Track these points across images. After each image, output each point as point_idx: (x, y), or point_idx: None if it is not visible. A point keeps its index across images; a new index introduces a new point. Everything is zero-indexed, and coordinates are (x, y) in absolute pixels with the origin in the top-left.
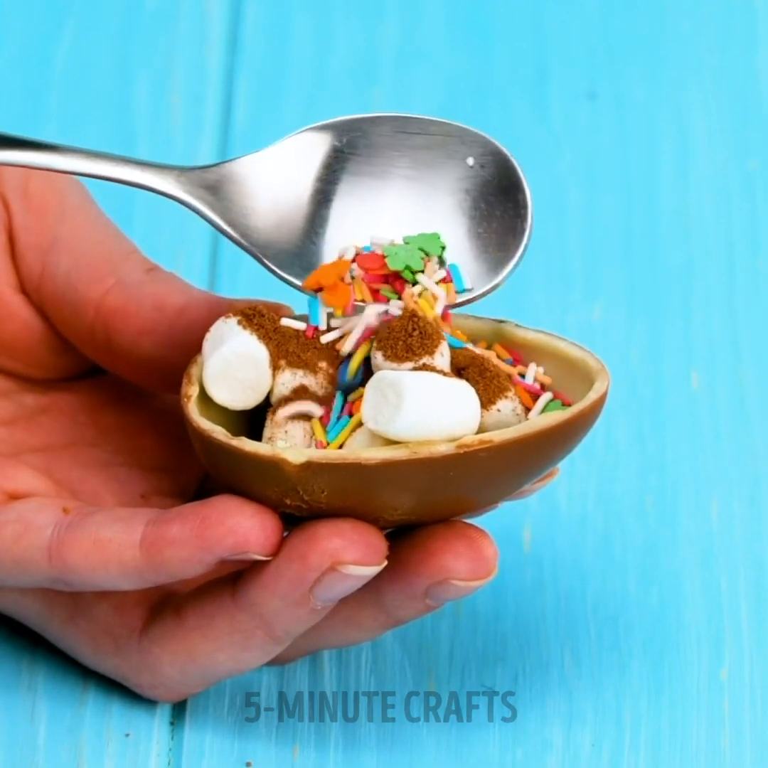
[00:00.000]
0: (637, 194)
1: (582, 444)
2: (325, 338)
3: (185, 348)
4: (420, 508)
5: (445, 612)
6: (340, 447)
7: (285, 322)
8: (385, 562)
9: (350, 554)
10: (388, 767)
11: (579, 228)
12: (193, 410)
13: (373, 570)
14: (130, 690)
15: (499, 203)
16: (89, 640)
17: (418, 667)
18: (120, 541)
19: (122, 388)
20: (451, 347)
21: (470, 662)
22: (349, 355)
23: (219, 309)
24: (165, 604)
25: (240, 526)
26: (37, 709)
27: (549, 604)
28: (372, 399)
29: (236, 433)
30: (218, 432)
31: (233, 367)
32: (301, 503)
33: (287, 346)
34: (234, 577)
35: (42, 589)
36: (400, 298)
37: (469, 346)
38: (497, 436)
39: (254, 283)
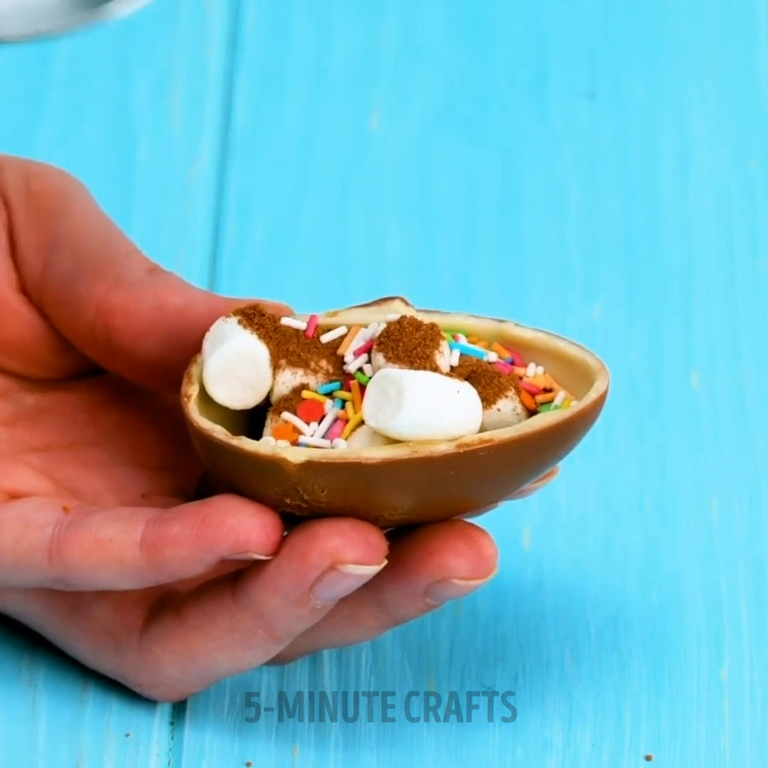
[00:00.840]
0: (637, 194)
1: (582, 444)
2: (326, 338)
3: (185, 348)
4: (420, 508)
5: (445, 612)
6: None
7: (285, 321)
8: (385, 562)
9: (350, 553)
10: (388, 767)
11: (579, 228)
12: (193, 410)
13: (373, 569)
14: (129, 690)
15: None
16: (89, 640)
17: (418, 667)
18: (120, 540)
19: (122, 388)
20: (463, 355)
21: (470, 662)
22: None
23: (219, 309)
24: (165, 604)
25: (241, 526)
26: (37, 709)
27: (549, 604)
28: (373, 396)
29: (236, 433)
30: (218, 431)
31: (233, 366)
32: (301, 502)
33: (287, 346)
34: (234, 576)
35: (42, 589)
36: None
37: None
38: (497, 435)
39: (254, 283)
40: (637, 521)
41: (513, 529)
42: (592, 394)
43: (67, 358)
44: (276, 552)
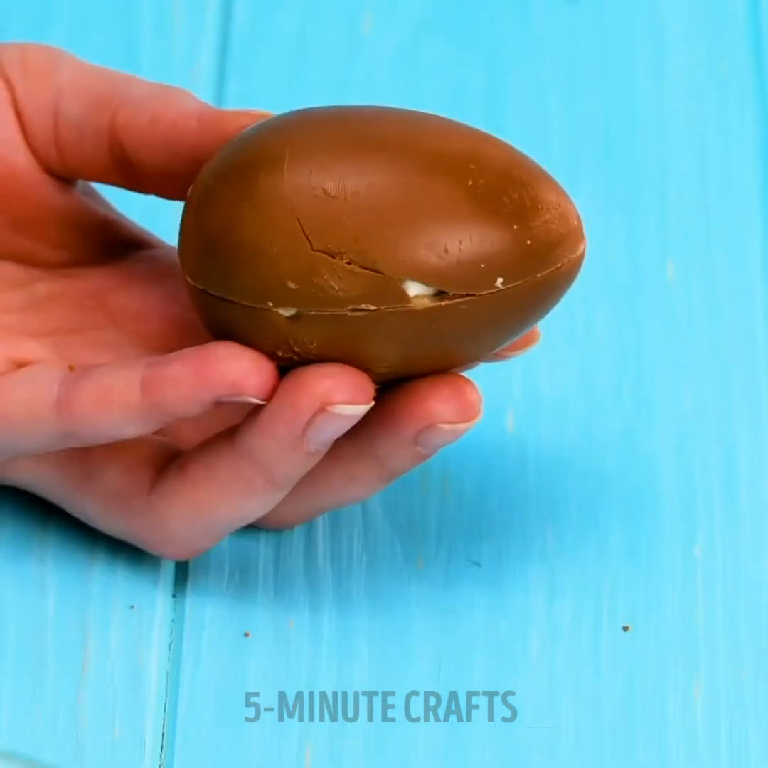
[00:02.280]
0: (616, 95)
1: (563, 333)
2: None
3: (183, 161)
4: (406, 360)
5: (432, 490)
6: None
7: None
8: (372, 403)
9: (339, 395)
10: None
11: (560, 129)
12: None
13: (361, 409)
14: (135, 564)
15: None
16: (101, 505)
17: (407, 544)
18: (122, 385)
19: (129, 275)
20: None
21: (457, 540)
22: None
23: (209, 121)
24: (170, 463)
25: (237, 368)
26: (47, 582)
27: (531, 484)
28: None
29: None
30: (213, 287)
31: None
32: (292, 354)
33: None
34: (233, 431)
35: (55, 459)
36: None
37: None
38: (478, 289)
39: None
40: (615, 406)
41: (497, 412)
42: (570, 255)
43: (77, 238)
44: (270, 397)
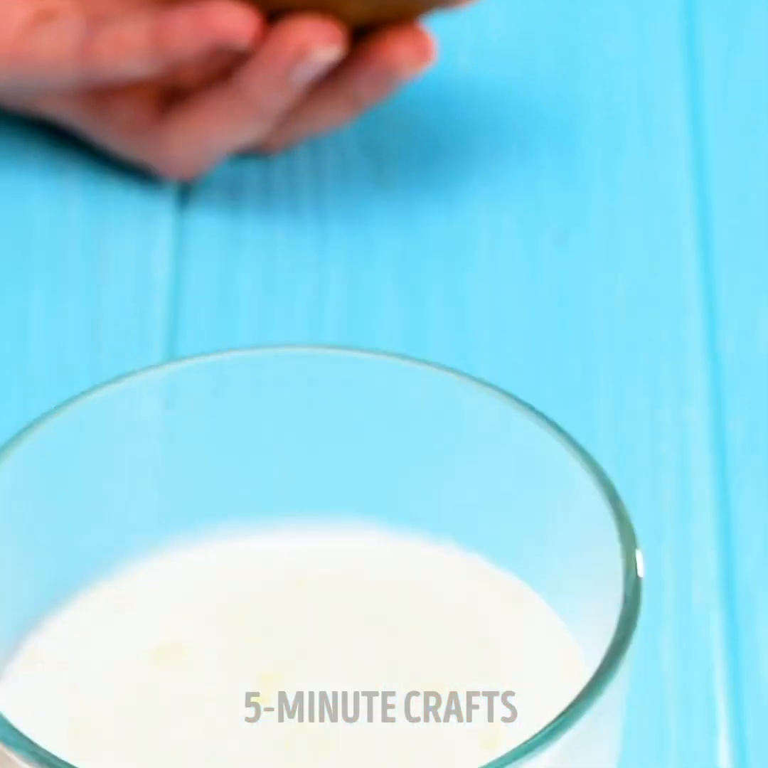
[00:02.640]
0: None
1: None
2: None
3: None
4: (373, 14)
5: (397, 121)
6: None
7: None
8: (343, 49)
9: (316, 39)
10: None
11: None
12: None
13: (334, 53)
14: (145, 183)
15: None
16: (117, 133)
17: (375, 166)
18: (134, 33)
19: None
20: None
21: (417, 162)
22: None
23: None
24: (175, 99)
25: (230, 19)
26: (69, 197)
27: (479, 117)
28: None
29: None
30: None
31: None
32: (277, 10)
33: None
34: (228, 74)
35: (79, 95)
36: None
37: None
38: None
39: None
40: (551, 52)
41: (451, 55)
42: None
43: None
44: (258, 42)
